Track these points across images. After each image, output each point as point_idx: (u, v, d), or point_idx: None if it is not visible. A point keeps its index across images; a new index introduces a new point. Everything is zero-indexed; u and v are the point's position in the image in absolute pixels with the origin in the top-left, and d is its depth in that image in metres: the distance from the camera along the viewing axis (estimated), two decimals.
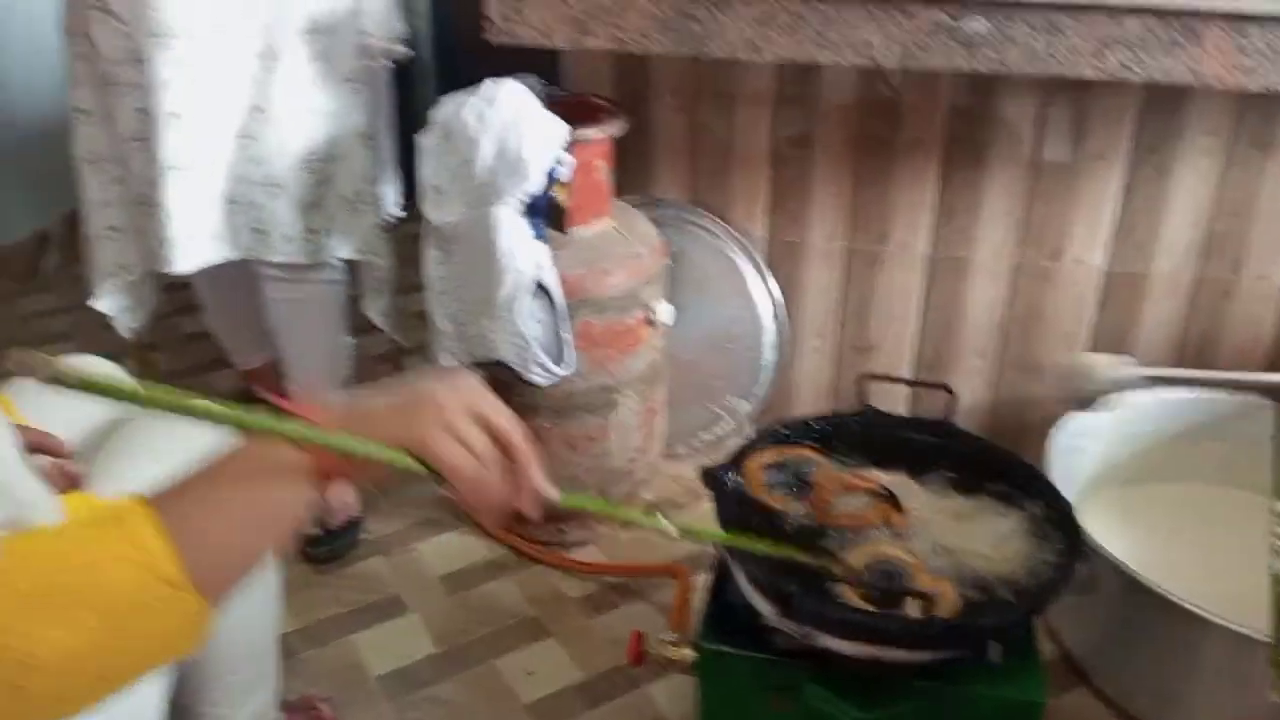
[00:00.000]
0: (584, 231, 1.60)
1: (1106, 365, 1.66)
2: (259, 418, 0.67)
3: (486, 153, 1.47)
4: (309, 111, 1.57)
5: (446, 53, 2.72)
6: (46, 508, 0.85)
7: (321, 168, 1.61)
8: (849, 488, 1.17)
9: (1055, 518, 1.15)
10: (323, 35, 1.55)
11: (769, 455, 1.21)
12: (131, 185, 1.59)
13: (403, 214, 1.82)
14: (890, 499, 1.16)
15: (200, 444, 1.11)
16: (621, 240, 1.62)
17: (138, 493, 0.64)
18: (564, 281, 1.53)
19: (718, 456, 1.86)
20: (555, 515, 1.72)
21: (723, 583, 1.16)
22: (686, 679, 1.19)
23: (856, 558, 1.09)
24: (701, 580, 1.60)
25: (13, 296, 2.48)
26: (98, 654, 0.59)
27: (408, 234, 1.80)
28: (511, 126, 1.46)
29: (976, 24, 1.30)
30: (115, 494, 0.99)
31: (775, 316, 1.85)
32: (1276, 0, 1.25)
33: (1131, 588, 1.34)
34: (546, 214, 1.52)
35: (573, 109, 1.54)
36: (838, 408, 1.89)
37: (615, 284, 1.58)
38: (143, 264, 1.67)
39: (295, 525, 0.70)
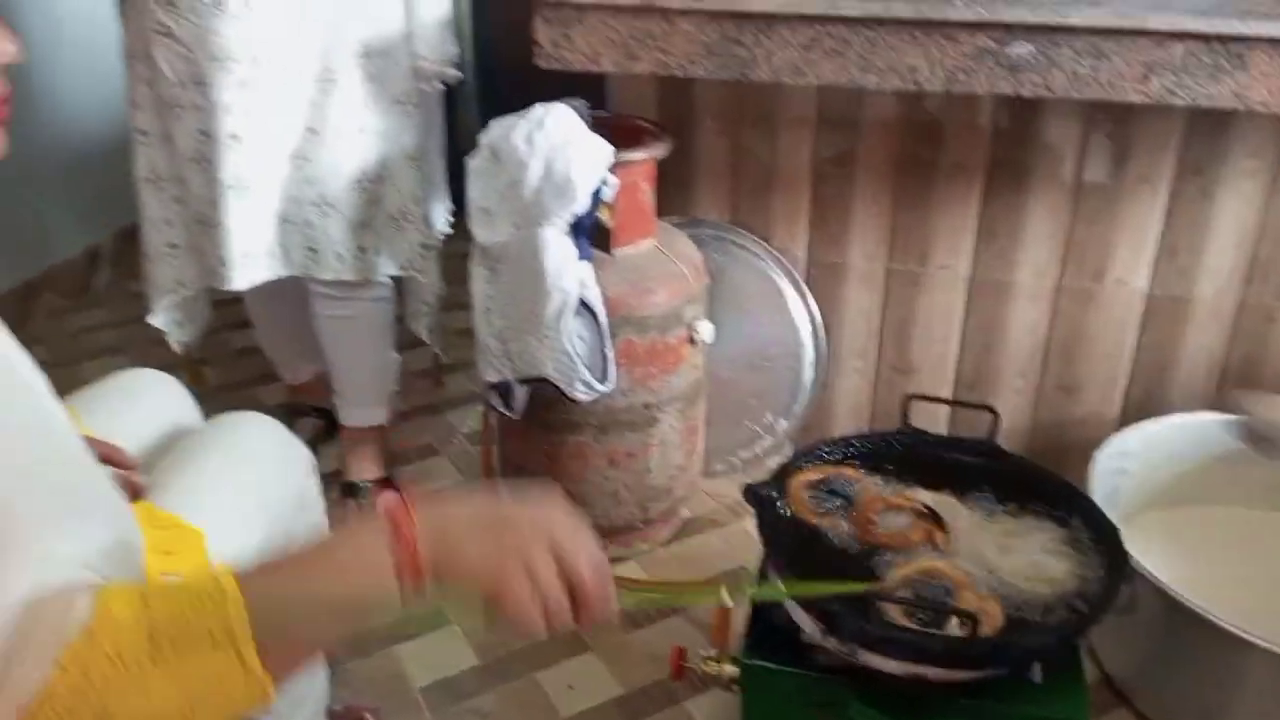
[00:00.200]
0: (627, 251, 1.62)
1: None
2: None
3: (534, 174, 1.50)
4: (361, 132, 1.62)
5: (488, 75, 2.77)
6: (135, 526, 0.88)
7: (372, 187, 1.65)
8: (892, 507, 1.18)
9: (1099, 539, 1.16)
10: (377, 58, 1.59)
11: (812, 474, 1.22)
12: (191, 204, 1.64)
13: (449, 232, 1.86)
14: (934, 518, 1.17)
15: (254, 456, 1.16)
16: (664, 260, 1.65)
17: (232, 567, 0.67)
18: (607, 300, 1.56)
19: (756, 474, 1.88)
20: (595, 531, 1.74)
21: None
22: (726, 695, 1.20)
23: (902, 572, 1.09)
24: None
25: (65, 312, 2.54)
26: None
27: (451, 252, 1.84)
28: (559, 149, 1.49)
29: (1021, 49, 1.32)
30: (174, 507, 1.03)
31: (815, 336, 1.86)
32: None
33: (1174, 610, 1.33)
34: (591, 234, 1.55)
35: (617, 131, 1.57)
36: (878, 428, 1.90)
37: (658, 303, 1.60)
38: (200, 281, 1.72)
39: (370, 623, 0.72)
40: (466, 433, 2.13)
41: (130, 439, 1.13)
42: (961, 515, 1.21)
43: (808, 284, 1.86)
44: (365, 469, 1.84)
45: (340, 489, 1.83)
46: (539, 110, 1.55)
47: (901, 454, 1.26)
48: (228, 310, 2.11)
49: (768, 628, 1.14)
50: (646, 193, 1.62)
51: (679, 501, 1.80)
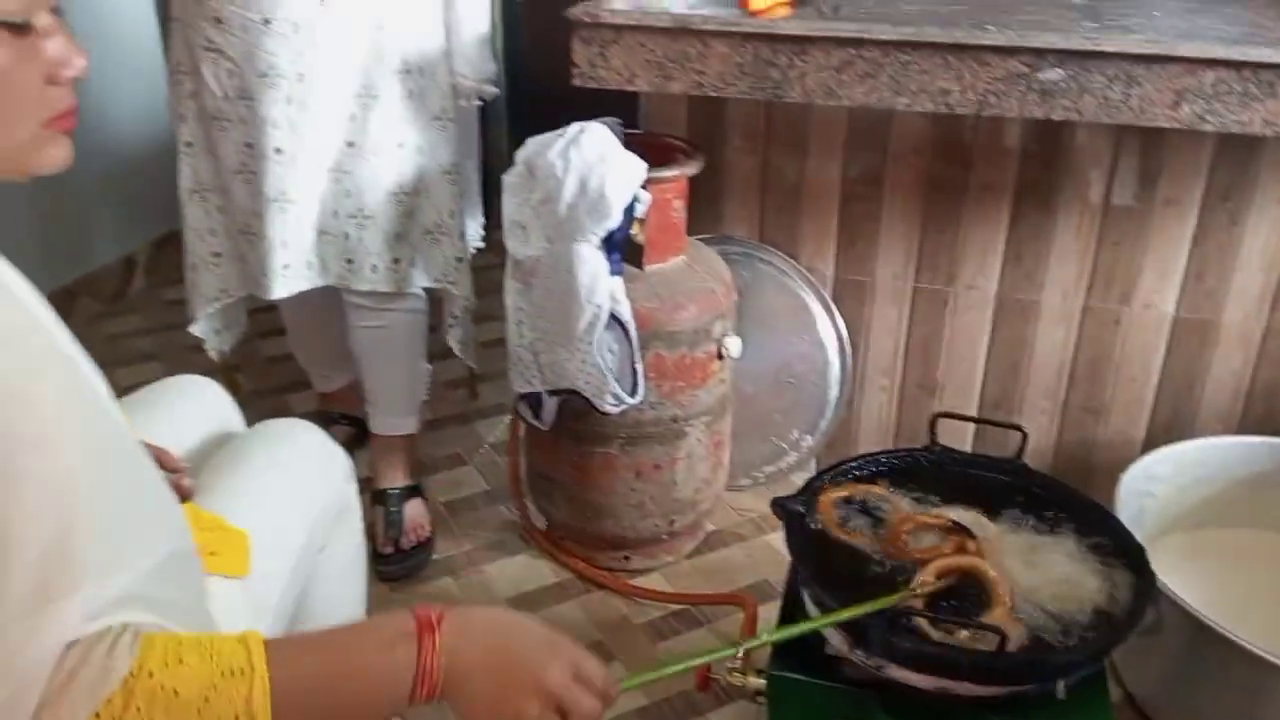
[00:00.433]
0: (658, 267, 1.65)
1: None
2: None
3: (569, 190, 1.53)
4: (400, 147, 1.65)
5: (518, 91, 2.81)
6: (188, 531, 0.91)
7: (408, 201, 1.69)
8: (922, 525, 1.19)
9: (1125, 559, 1.17)
10: (417, 75, 1.63)
11: (841, 490, 1.24)
12: (234, 215, 1.67)
13: (482, 246, 1.89)
14: (964, 534, 1.18)
15: (297, 461, 1.18)
16: (694, 276, 1.67)
17: (264, 639, 0.71)
18: (638, 314, 1.58)
19: (782, 489, 1.91)
20: (620, 543, 1.76)
21: (792, 611, 1.19)
22: (752, 706, 1.22)
23: (938, 565, 1.10)
24: (769, 609, 1.63)
25: (101, 317, 2.59)
26: None
27: (482, 265, 1.87)
28: (594, 166, 1.52)
29: (1053, 73, 1.34)
30: (219, 510, 1.06)
31: (841, 353, 1.88)
32: None
33: (1198, 631, 1.34)
34: (623, 250, 1.57)
35: (649, 148, 1.59)
36: (903, 445, 1.91)
37: (687, 318, 1.62)
38: (241, 289, 1.75)
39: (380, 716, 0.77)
40: (493, 442, 2.16)
41: (176, 442, 1.16)
42: (989, 532, 1.22)
43: (835, 301, 1.88)
44: (395, 477, 1.87)
45: (370, 497, 1.86)
46: (574, 127, 1.57)
47: (930, 471, 1.27)
48: (260, 318, 2.15)
49: (795, 640, 1.15)
50: (678, 210, 1.65)
51: (704, 515, 1.81)
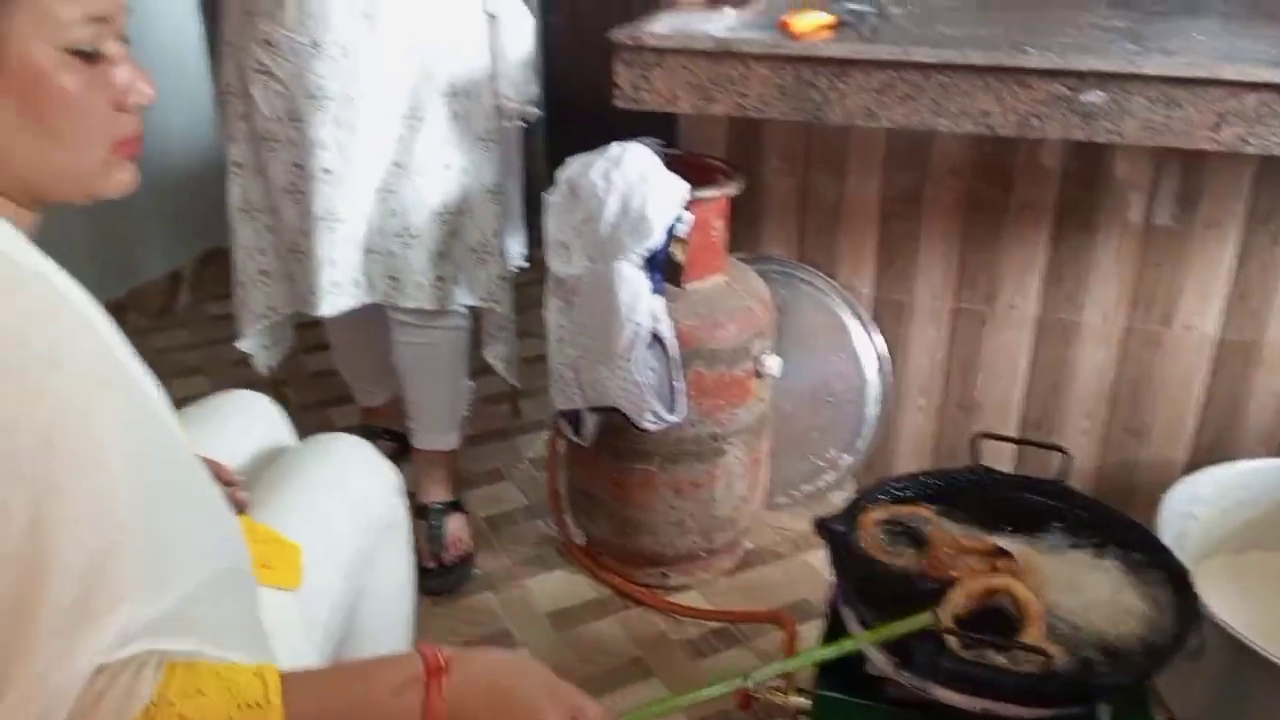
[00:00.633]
0: (698, 285, 1.66)
1: None
2: None
3: (611, 210, 1.55)
4: (445, 168, 1.68)
5: (554, 112, 2.84)
6: (243, 544, 0.94)
7: (453, 220, 1.72)
8: (963, 549, 1.19)
9: (1170, 582, 1.16)
10: (463, 97, 1.66)
11: (883, 510, 1.24)
12: (282, 234, 1.71)
13: (524, 264, 1.92)
14: (1004, 557, 1.18)
15: (347, 476, 1.21)
16: (734, 294, 1.68)
17: (280, 673, 0.74)
18: (678, 333, 1.60)
19: (819, 508, 1.91)
20: (659, 560, 1.78)
21: (836, 631, 1.20)
22: None
23: (969, 588, 1.10)
24: (808, 629, 1.64)
25: (148, 331, 2.64)
26: None
27: (521, 282, 1.89)
28: (636, 186, 1.54)
29: (1094, 96, 1.34)
30: (272, 522, 1.08)
31: (880, 372, 1.88)
32: None
33: (1242, 654, 1.33)
34: (664, 269, 1.59)
35: (688, 168, 1.61)
36: (941, 464, 1.91)
37: (727, 336, 1.64)
38: (289, 306, 1.79)
39: None
40: (533, 458, 2.18)
41: (230, 456, 1.19)
42: (1032, 555, 1.22)
43: (873, 320, 1.88)
44: (436, 491, 1.89)
45: (413, 511, 1.88)
46: (616, 148, 1.60)
47: (972, 492, 1.27)
48: (304, 334, 2.18)
49: (838, 660, 1.16)
50: (718, 229, 1.67)
51: (742, 533, 1.82)
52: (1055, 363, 1.83)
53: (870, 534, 1.22)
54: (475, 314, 1.85)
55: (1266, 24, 1.62)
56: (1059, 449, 1.31)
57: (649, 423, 1.61)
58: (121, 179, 0.82)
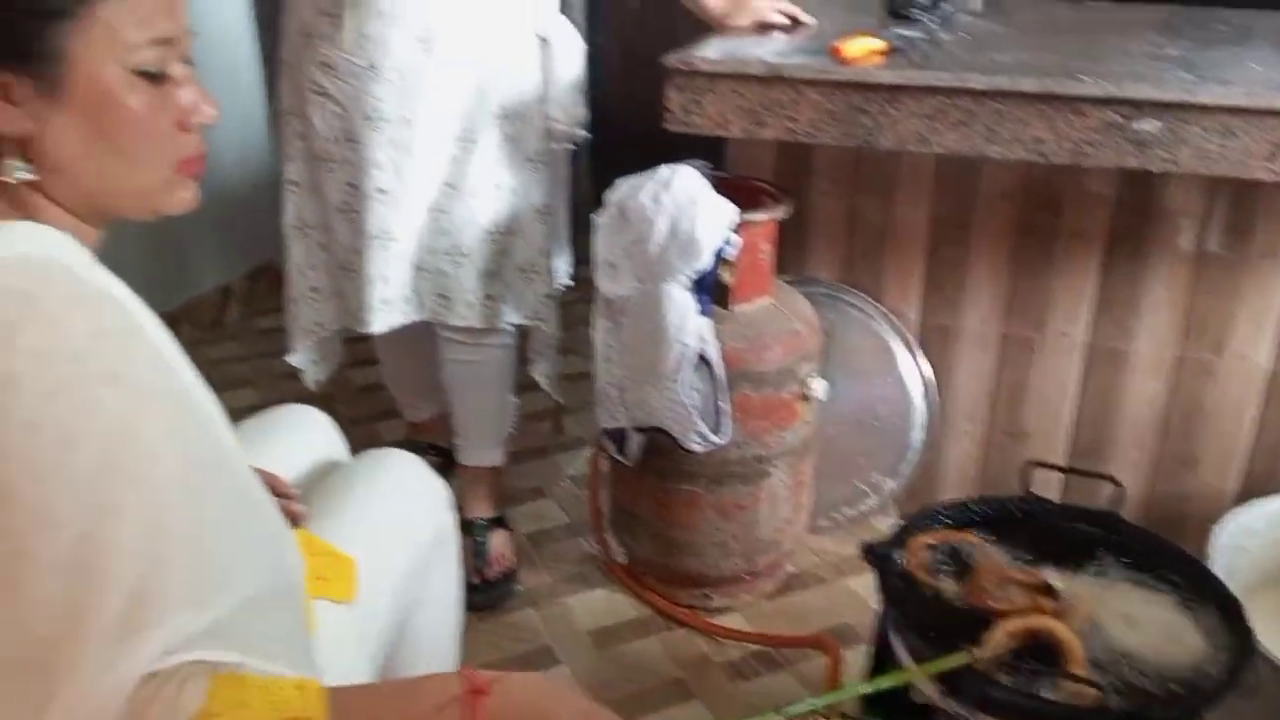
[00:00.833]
0: (745, 308, 1.67)
1: None
2: None
3: (660, 232, 1.56)
4: (495, 188, 1.71)
5: (599, 133, 2.87)
6: (298, 556, 0.95)
7: (502, 239, 1.74)
8: (1011, 579, 1.18)
9: (1222, 616, 1.15)
10: (515, 120, 1.68)
11: (931, 536, 1.24)
12: (335, 252, 1.74)
13: (570, 284, 1.93)
14: (1051, 593, 1.17)
15: (400, 490, 1.22)
16: (781, 317, 1.69)
17: (324, 690, 0.74)
18: (725, 354, 1.60)
19: (861, 532, 1.91)
20: (701, 581, 1.78)
21: (883, 658, 1.19)
22: None
23: (1008, 628, 1.09)
24: (851, 654, 1.63)
25: (199, 344, 2.70)
26: None
27: (566, 299, 1.91)
28: (685, 208, 1.55)
29: (1148, 125, 1.34)
30: (327, 536, 1.10)
31: (925, 397, 1.88)
32: None
33: None
34: (712, 291, 1.60)
35: (736, 191, 1.62)
36: (987, 492, 1.89)
37: (773, 359, 1.64)
38: (337, 323, 1.82)
39: None
40: (574, 475, 2.19)
41: (285, 469, 1.21)
42: (1081, 586, 1.21)
43: (920, 345, 1.88)
44: (481, 507, 1.91)
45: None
46: (666, 170, 1.61)
47: (1022, 521, 1.26)
48: (351, 348, 2.21)
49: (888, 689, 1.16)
50: (766, 252, 1.67)
51: (785, 555, 1.82)
52: (1105, 391, 1.81)
53: (919, 560, 1.21)
54: (521, 332, 1.87)
55: None
56: (1111, 480, 1.30)
57: (694, 444, 1.62)
58: (184, 197, 0.84)
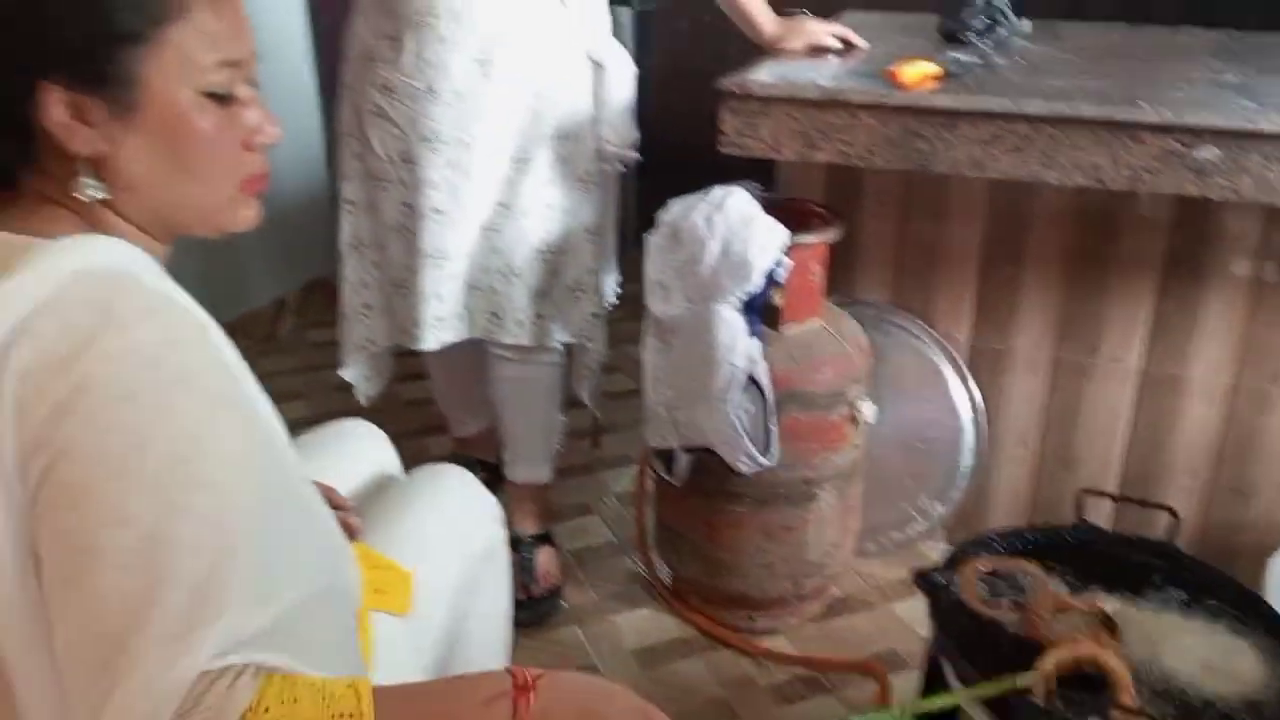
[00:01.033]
0: (795, 329, 1.67)
1: None
2: None
3: (712, 253, 1.57)
4: (548, 208, 1.73)
5: (645, 155, 2.90)
6: (354, 567, 0.97)
7: (553, 259, 1.76)
8: (1065, 607, 1.17)
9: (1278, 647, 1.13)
10: (568, 141, 1.70)
11: (984, 563, 1.23)
12: (388, 270, 1.77)
13: (616, 302, 1.95)
14: (1107, 623, 1.15)
15: (453, 506, 1.24)
16: (830, 339, 1.69)
17: (373, 689, 0.75)
18: (774, 376, 1.61)
19: (909, 557, 1.89)
20: (746, 602, 1.77)
21: (934, 685, 1.19)
22: None
23: (1058, 656, 1.08)
24: (898, 679, 1.62)
25: (254, 356, 2.73)
26: None
27: (610, 318, 1.92)
28: (738, 230, 1.56)
29: (1208, 152, 1.33)
30: (382, 549, 1.12)
31: (975, 422, 1.86)
32: None
33: None
34: (762, 312, 1.61)
35: (786, 212, 1.62)
36: (1038, 518, 1.88)
37: (823, 381, 1.64)
38: (389, 340, 1.85)
39: None
40: (619, 493, 2.20)
41: (342, 482, 1.23)
42: (1135, 615, 1.19)
43: (970, 369, 1.87)
44: (527, 524, 1.92)
45: None
46: (718, 192, 1.62)
47: (1076, 549, 1.25)
48: (398, 363, 2.24)
49: (938, 715, 1.15)
50: (817, 274, 1.68)
51: (831, 579, 1.81)
52: (1158, 418, 1.79)
53: (971, 587, 1.20)
54: (567, 349, 1.89)
55: None
56: (1168, 509, 1.28)
57: (743, 464, 1.62)
58: (247, 214, 0.87)
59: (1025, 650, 1.13)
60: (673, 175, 2.27)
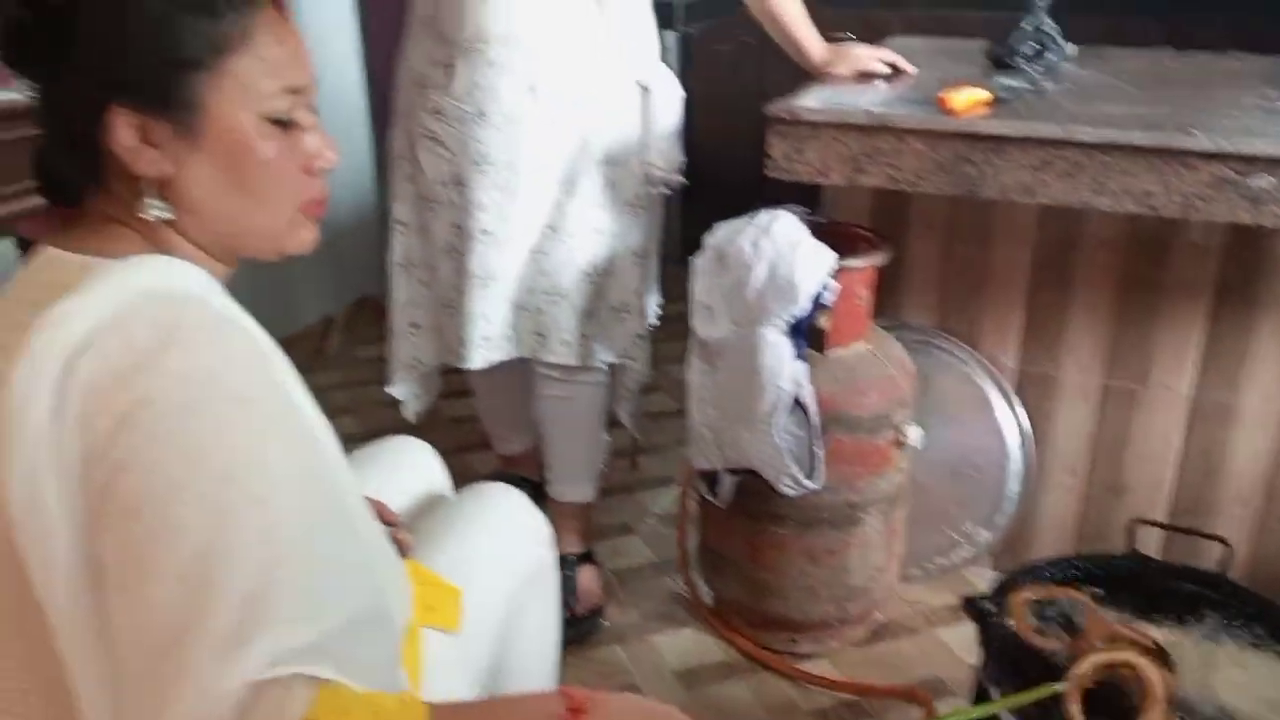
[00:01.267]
0: (841, 352, 1.67)
1: None
2: None
3: (758, 277, 1.58)
4: (595, 231, 1.75)
5: (689, 178, 2.92)
6: (405, 583, 0.99)
7: (599, 281, 1.78)
8: (1118, 637, 1.16)
9: None
10: (616, 165, 1.72)
11: (1033, 591, 1.22)
12: (437, 289, 1.80)
13: (657, 324, 1.96)
14: (1160, 655, 1.14)
15: (502, 525, 1.25)
16: (876, 363, 1.69)
17: (427, 707, 0.76)
18: (819, 399, 1.61)
19: (953, 582, 1.88)
20: (788, 625, 1.77)
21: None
22: None
23: (1094, 660, 1.07)
24: (943, 706, 1.60)
25: (302, 373, 2.78)
26: None
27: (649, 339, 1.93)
28: (785, 253, 1.57)
29: (1263, 181, 1.31)
30: (433, 566, 1.13)
31: (1023, 447, 1.85)
32: None
33: None
34: (808, 335, 1.61)
35: (832, 236, 1.63)
36: (1086, 546, 1.85)
37: (868, 404, 1.64)
38: (436, 358, 1.87)
39: None
40: (659, 514, 2.21)
41: (393, 499, 1.25)
42: (1188, 646, 1.18)
43: (1017, 394, 1.85)
44: (570, 542, 1.93)
45: None
46: (765, 216, 1.63)
47: (1127, 579, 1.24)
48: (443, 381, 2.27)
49: None
50: (863, 298, 1.68)
51: (875, 604, 1.80)
52: (1210, 446, 1.77)
53: (1020, 614, 1.20)
54: (610, 369, 1.90)
55: None
56: (1221, 540, 1.26)
57: (787, 487, 1.62)
58: (306, 237, 0.89)
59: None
60: (713, 196, 2.29)
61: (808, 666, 1.75)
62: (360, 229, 2.90)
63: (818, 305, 1.59)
